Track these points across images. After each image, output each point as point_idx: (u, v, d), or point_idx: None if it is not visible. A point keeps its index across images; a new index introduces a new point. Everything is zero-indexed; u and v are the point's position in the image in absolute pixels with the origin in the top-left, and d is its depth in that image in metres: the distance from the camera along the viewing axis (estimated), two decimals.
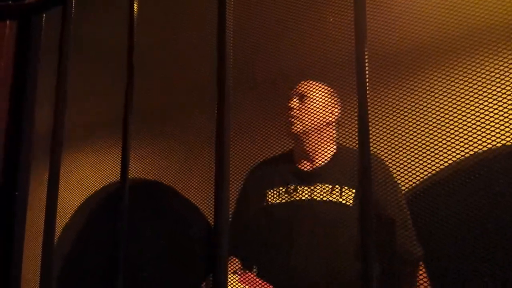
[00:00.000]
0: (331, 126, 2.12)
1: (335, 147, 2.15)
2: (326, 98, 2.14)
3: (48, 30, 1.80)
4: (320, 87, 2.17)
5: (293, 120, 2.13)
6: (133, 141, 1.58)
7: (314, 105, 2.14)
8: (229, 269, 1.98)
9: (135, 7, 1.48)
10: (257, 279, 1.92)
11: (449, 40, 1.53)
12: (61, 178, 1.82)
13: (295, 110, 2.14)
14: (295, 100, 2.18)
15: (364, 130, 1.12)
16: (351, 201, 2.00)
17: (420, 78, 1.56)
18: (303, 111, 2.15)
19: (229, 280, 1.92)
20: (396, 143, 1.42)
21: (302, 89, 2.16)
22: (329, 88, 2.15)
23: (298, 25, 1.63)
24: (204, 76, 1.31)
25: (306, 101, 2.17)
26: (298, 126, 2.13)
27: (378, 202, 2.00)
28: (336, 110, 2.15)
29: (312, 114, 2.09)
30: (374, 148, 1.38)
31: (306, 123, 2.13)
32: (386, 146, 1.43)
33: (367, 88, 1.12)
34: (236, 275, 1.96)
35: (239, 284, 1.92)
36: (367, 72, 1.11)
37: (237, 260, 2.13)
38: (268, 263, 2.05)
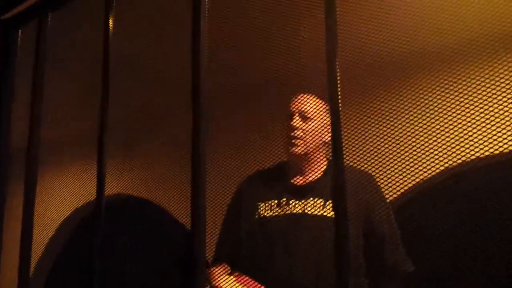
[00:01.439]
0: (325, 144, 2.13)
1: (325, 163, 2.15)
2: (326, 117, 2.12)
3: (24, 45, 1.80)
4: (319, 103, 2.14)
5: (295, 141, 2.09)
6: (111, 157, 1.58)
7: (318, 126, 2.11)
8: (222, 272, 1.98)
9: (110, 23, 1.49)
10: (252, 281, 1.93)
11: (429, 50, 1.55)
12: (39, 193, 1.81)
13: (298, 131, 2.09)
14: (297, 119, 2.12)
15: (337, 143, 1.13)
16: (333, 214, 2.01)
17: (399, 89, 1.58)
18: (306, 132, 2.10)
19: (226, 281, 1.92)
20: (379, 154, 1.43)
21: (304, 107, 2.10)
22: (325, 105, 2.13)
23: (272, 37, 1.65)
24: (181, 87, 1.32)
25: (309, 121, 2.13)
26: (301, 147, 2.10)
27: (370, 218, 2.01)
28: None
29: (315, 136, 2.07)
30: (353, 161, 1.40)
31: (309, 144, 2.10)
32: (366, 158, 1.45)
33: (339, 100, 1.14)
34: (232, 276, 1.96)
35: (237, 284, 1.92)
36: (339, 86, 1.13)
37: (227, 265, 2.13)
38: (259, 275, 2.05)
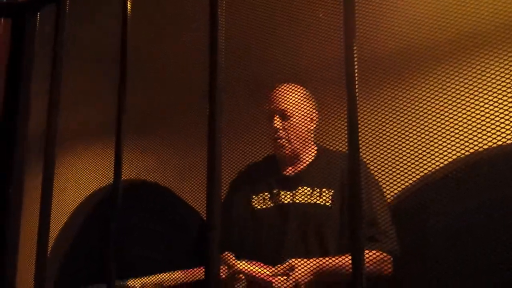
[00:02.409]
0: (311, 132, 2.13)
1: (315, 149, 2.16)
2: (307, 107, 2.11)
3: (43, 29, 1.81)
4: (296, 91, 2.12)
5: (280, 142, 2.09)
6: (127, 141, 1.59)
7: (299, 122, 2.11)
8: (230, 258, 1.99)
9: (129, 6, 1.48)
10: (262, 264, 1.95)
11: (440, 43, 1.54)
12: (56, 179, 1.83)
13: (280, 131, 2.08)
14: (277, 119, 2.11)
15: (353, 133, 1.13)
16: (329, 202, 2.02)
17: (407, 82, 1.57)
18: (289, 130, 2.10)
19: (239, 264, 1.94)
20: (385, 145, 1.43)
21: (283, 105, 2.09)
22: (304, 91, 2.11)
23: (289, 28, 1.64)
24: (197, 77, 1.32)
25: (290, 120, 2.11)
26: (287, 148, 2.11)
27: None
28: (314, 114, 2.15)
29: (300, 131, 2.07)
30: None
31: (294, 141, 2.11)
32: (374, 149, 1.44)
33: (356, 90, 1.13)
34: (243, 259, 1.98)
35: (250, 265, 1.94)
36: (356, 73, 1.12)
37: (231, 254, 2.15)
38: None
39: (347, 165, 2.08)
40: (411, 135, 1.39)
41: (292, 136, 2.08)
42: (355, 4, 1.13)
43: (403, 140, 1.40)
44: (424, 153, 1.35)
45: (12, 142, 1.92)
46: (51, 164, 1.80)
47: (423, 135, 1.37)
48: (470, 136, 1.28)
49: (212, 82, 1.24)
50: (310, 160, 2.14)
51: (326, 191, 2.05)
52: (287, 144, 2.09)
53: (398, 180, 1.35)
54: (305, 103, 2.12)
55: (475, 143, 1.26)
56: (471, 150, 1.26)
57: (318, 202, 2.06)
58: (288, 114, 2.11)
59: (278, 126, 2.09)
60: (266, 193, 2.13)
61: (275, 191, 2.11)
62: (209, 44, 1.25)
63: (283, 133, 2.09)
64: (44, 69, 1.76)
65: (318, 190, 2.07)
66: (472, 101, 1.30)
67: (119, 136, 1.57)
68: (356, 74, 1.11)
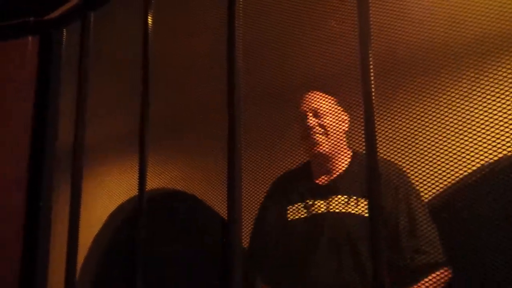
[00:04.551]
0: (344, 134, 2.10)
1: (350, 154, 2.12)
2: (338, 110, 2.11)
3: (69, 44, 1.86)
4: (327, 98, 2.13)
5: (316, 138, 2.07)
6: (152, 152, 1.62)
7: (333, 121, 2.10)
8: None
9: (149, 21, 1.51)
10: None
11: (473, 40, 1.50)
12: (86, 190, 1.87)
13: (316, 128, 2.08)
14: (311, 117, 2.10)
15: (370, 136, 1.12)
16: (367, 212, 1.96)
17: (435, 80, 1.54)
18: (324, 127, 2.09)
19: None
20: (414, 148, 1.40)
21: (315, 105, 2.09)
22: (333, 98, 2.11)
23: (305, 34, 1.64)
24: (216, 86, 1.33)
25: (323, 118, 2.11)
26: (324, 144, 2.08)
27: (397, 211, 1.97)
28: (345, 116, 2.13)
29: (335, 128, 2.06)
30: (383, 153, 1.38)
31: (331, 138, 2.09)
32: (403, 152, 1.42)
33: (373, 93, 1.12)
34: None
35: None
36: (372, 77, 1.12)
37: None
38: (290, 278, 2.05)
39: (388, 172, 2.06)
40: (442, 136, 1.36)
41: (328, 132, 2.07)
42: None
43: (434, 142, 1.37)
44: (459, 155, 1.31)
45: (42, 157, 1.97)
46: (79, 176, 1.84)
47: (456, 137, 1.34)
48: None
49: (230, 88, 1.25)
50: (346, 166, 2.09)
51: (363, 201, 1.99)
52: (323, 140, 2.06)
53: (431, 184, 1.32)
54: (335, 105, 2.11)
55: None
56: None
57: (354, 211, 2.00)
58: (321, 112, 2.09)
59: (312, 124, 2.07)
60: (299, 203, 2.10)
61: (309, 201, 2.08)
62: (227, 52, 1.26)
63: (319, 129, 2.07)
64: (72, 83, 1.80)
65: (354, 198, 2.01)
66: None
67: (142, 151, 1.59)
68: (372, 76, 1.10)
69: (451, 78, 1.45)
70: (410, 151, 1.42)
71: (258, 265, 2.14)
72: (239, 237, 1.20)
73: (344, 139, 2.07)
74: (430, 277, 1.85)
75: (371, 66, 1.07)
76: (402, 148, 1.40)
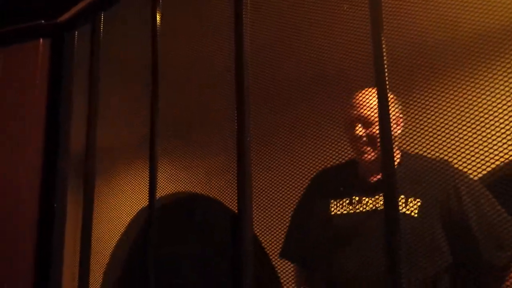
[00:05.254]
0: (396, 137, 2.02)
1: (399, 154, 2.05)
2: (392, 111, 2.00)
3: (80, 47, 1.85)
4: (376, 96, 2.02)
5: (364, 149, 2.01)
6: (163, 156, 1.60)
7: (399, 129, 2.02)
8: None
9: (158, 20, 1.50)
10: None
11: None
12: (100, 197, 1.86)
13: (364, 138, 2.00)
14: (359, 128, 2.02)
15: (386, 135, 1.10)
16: (415, 212, 1.91)
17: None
18: (372, 137, 2.02)
19: None
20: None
21: (366, 112, 2.00)
22: (392, 96, 2.00)
23: (315, 33, 1.61)
24: (224, 86, 1.32)
25: (374, 127, 2.03)
26: (373, 154, 2.02)
27: (449, 210, 1.91)
28: (400, 119, 2.04)
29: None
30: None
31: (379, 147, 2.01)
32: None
33: (387, 86, 1.10)
34: None
35: None
36: (386, 71, 1.10)
37: None
38: (328, 274, 2.02)
39: (442, 172, 1.99)
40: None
41: (376, 143, 2.01)
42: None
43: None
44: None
45: (55, 160, 1.97)
46: (92, 180, 1.84)
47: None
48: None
49: (239, 87, 1.23)
50: (395, 166, 2.03)
51: (412, 200, 1.95)
52: (372, 151, 2.01)
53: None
54: (391, 106, 2.03)
55: None
56: None
57: (403, 211, 1.96)
58: (371, 120, 2.02)
59: (361, 134, 2.01)
60: (345, 199, 2.05)
61: (356, 197, 2.03)
62: (235, 47, 1.25)
63: (367, 140, 2.01)
64: (84, 86, 1.80)
65: (403, 198, 1.97)
66: None
67: (153, 158, 1.58)
68: (386, 69, 1.08)
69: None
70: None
71: (295, 252, 2.11)
72: (251, 229, 1.18)
73: (395, 142, 1.99)
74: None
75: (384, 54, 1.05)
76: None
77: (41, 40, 1.81)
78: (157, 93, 1.53)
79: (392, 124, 1.96)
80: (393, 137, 1.97)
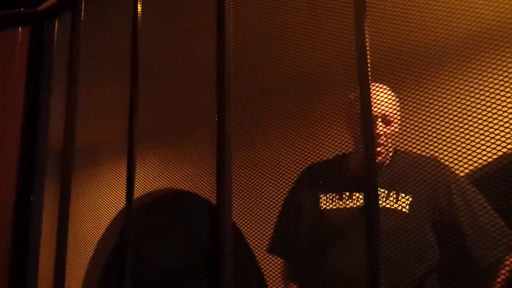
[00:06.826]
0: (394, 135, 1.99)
1: (391, 151, 2.02)
2: (393, 110, 1.97)
3: (62, 39, 1.81)
4: (388, 93, 1.97)
5: (380, 149, 1.97)
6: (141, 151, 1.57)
7: (398, 127, 1.99)
8: None
9: (139, 7, 1.47)
10: None
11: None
12: (75, 187, 1.83)
13: (382, 138, 1.96)
14: (380, 125, 1.97)
15: (368, 127, 1.08)
16: (406, 208, 1.90)
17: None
18: (388, 137, 1.97)
19: None
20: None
21: (387, 110, 1.95)
22: (391, 92, 1.96)
23: (298, 32, 1.58)
24: (207, 84, 1.30)
25: (391, 126, 1.99)
26: (385, 155, 1.98)
27: (440, 211, 1.90)
28: (398, 117, 2.01)
29: (394, 139, 1.94)
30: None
31: (390, 147, 1.98)
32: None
33: (370, 82, 1.08)
34: None
35: None
36: (369, 69, 1.08)
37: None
38: (316, 269, 2.00)
39: (433, 171, 1.97)
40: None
41: (390, 143, 1.97)
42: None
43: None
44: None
45: (33, 152, 1.92)
46: (69, 173, 1.80)
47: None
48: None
49: (220, 85, 1.21)
50: (387, 162, 2.00)
51: (403, 196, 1.93)
52: (385, 152, 1.97)
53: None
54: (397, 104, 2.00)
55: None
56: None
57: (394, 207, 1.94)
58: (390, 119, 1.98)
59: (380, 133, 1.95)
60: (335, 194, 2.02)
61: (346, 192, 2.00)
62: (216, 48, 1.23)
63: (383, 140, 1.96)
64: (63, 77, 1.76)
65: (394, 193, 1.94)
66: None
67: (131, 154, 1.55)
68: (369, 67, 1.06)
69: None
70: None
71: (283, 246, 2.09)
72: (229, 220, 1.16)
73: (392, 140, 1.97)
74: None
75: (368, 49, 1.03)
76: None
77: (19, 28, 1.77)
78: (137, 83, 1.50)
79: (392, 122, 1.95)
80: (391, 134, 1.95)
